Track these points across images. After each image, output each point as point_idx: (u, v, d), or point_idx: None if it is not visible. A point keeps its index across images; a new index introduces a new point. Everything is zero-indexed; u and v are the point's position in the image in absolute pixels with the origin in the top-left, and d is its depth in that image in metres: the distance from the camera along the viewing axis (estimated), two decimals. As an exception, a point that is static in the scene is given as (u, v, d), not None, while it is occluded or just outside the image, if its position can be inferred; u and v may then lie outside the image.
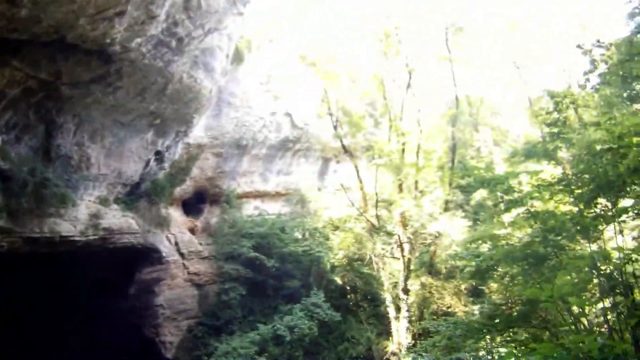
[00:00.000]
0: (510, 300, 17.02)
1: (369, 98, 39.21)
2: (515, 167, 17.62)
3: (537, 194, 14.08)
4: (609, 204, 13.14)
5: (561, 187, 14.19)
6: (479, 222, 37.09)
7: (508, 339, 15.85)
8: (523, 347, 14.61)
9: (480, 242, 16.93)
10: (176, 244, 34.20)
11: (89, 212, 27.60)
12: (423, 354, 18.12)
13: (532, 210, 13.65)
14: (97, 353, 33.72)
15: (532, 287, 12.97)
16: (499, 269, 14.75)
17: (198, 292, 34.76)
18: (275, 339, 31.47)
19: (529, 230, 15.45)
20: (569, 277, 11.95)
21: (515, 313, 14.84)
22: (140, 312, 32.98)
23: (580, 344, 7.77)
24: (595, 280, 12.38)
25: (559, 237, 13.33)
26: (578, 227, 13.16)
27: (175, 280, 33.77)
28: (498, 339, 16.23)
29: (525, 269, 13.69)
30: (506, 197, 14.36)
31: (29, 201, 23.14)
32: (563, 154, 15.04)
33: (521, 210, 14.22)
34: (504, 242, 15.59)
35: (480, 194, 35.74)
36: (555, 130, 14.82)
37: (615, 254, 11.95)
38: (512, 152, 17.78)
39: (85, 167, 26.57)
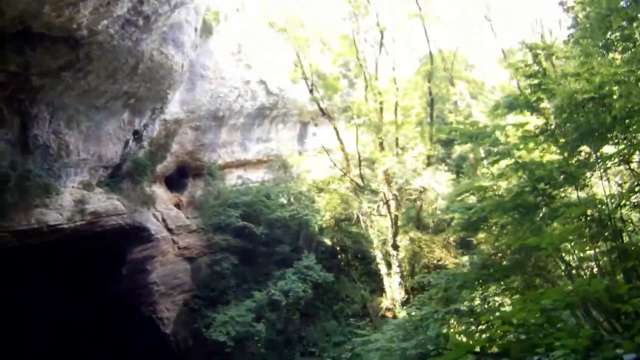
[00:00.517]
0: (501, 250, 17.35)
1: (342, 60, 39.09)
2: (498, 119, 17.79)
3: (522, 145, 14.26)
4: (592, 152, 13.45)
5: (545, 137, 14.50)
6: (461, 175, 37.80)
7: (502, 287, 16.15)
8: (517, 295, 14.93)
9: (467, 194, 17.21)
10: (164, 220, 34.16)
11: (73, 198, 27.45)
12: (421, 307, 18.42)
13: (520, 161, 13.82)
14: (97, 338, 34.02)
15: (523, 236, 13.19)
16: (491, 220, 14.86)
17: (190, 265, 34.89)
18: (270, 304, 31.81)
19: (515, 182, 15.80)
20: (565, 225, 12.21)
21: (509, 262, 15.10)
22: (135, 291, 33.04)
23: (587, 287, 8.04)
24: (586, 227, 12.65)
25: (547, 186, 13.53)
26: (564, 176, 13.39)
27: (166, 257, 33.85)
28: (492, 287, 16.52)
29: (516, 218, 13.91)
30: (493, 150, 14.50)
31: (13, 195, 22.98)
32: (544, 105, 15.19)
33: (509, 161, 14.39)
34: (490, 193, 15.90)
35: (461, 148, 36.20)
36: (536, 81, 14.79)
37: (604, 200, 12.20)
38: (494, 105, 17.68)
39: (65, 155, 26.33)
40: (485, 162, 38.48)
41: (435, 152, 37.22)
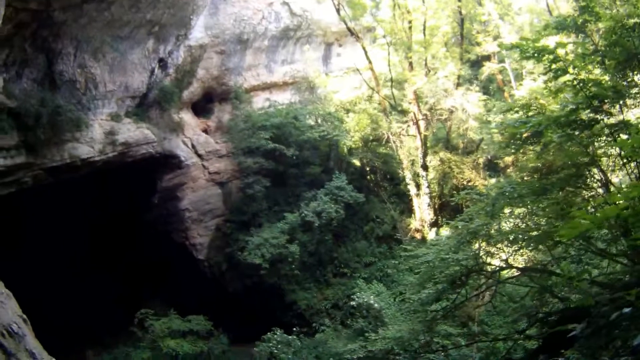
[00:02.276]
0: (540, 169, 17.49)
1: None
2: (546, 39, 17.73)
3: (580, 63, 14.20)
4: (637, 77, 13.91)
5: (592, 59, 14.54)
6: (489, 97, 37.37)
7: (541, 205, 16.13)
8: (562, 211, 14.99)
9: (511, 111, 17.35)
10: (193, 146, 34.35)
11: (103, 130, 27.69)
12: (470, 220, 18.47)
13: (579, 78, 13.75)
14: (130, 268, 34.99)
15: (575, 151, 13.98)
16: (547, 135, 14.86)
17: (221, 190, 35.30)
18: (303, 225, 32.33)
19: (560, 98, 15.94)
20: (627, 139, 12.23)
21: (557, 177, 15.27)
22: (167, 219, 33.82)
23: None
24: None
25: (600, 104, 13.66)
26: (615, 95, 13.58)
27: (197, 182, 34.28)
28: (539, 204, 16.46)
29: (570, 134, 13.78)
30: (553, 66, 14.41)
31: (45, 132, 23.19)
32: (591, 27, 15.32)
33: (566, 78, 14.45)
34: (534, 111, 15.98)
35: (489, 69, 35.68)
36: (583, 4, 15.03)
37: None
38: (544, 25, 18.07)
39: (93, 87, 26.42)
40: (514, 82, 37.96)
41: (465, 72, 36.55)
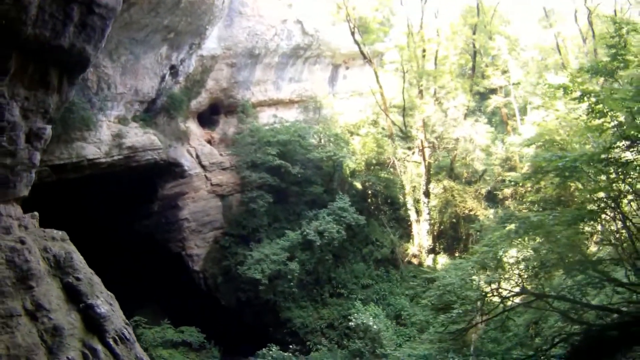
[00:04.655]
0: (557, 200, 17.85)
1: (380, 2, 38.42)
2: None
3: (617, 106, 14.79)
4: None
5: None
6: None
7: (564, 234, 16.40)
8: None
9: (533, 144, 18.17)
10: (197, 156, 34.19)
11: (111, 132, 27.44)
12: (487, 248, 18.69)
13: (618, 119, 14.51)
14: (123, 274, 34.36)
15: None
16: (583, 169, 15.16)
17: (222, 202, 35.03)
18: (303, 243, 32.14)
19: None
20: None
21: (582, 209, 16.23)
22: (165, 227, 33.33)
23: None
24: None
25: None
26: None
27: (198, 193, 34.03)
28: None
29: (602, 169, 14.68)
30: (596, 107, 15.16)
31: (56, 128, 22.79)
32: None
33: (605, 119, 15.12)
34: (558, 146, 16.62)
35: (495, 102, 36.34)
36: (613, 51, 16.30)
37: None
38: (579, 68, 19.54)
39: (106, 87, 26.24)
40: (518, 116, 38.50)
41: (475, 103, 37.06)
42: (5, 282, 10.17)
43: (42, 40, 8.48)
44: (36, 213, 12.88)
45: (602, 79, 18.23)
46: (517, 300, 18.52)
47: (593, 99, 14.83)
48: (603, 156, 14.03)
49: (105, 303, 12.35)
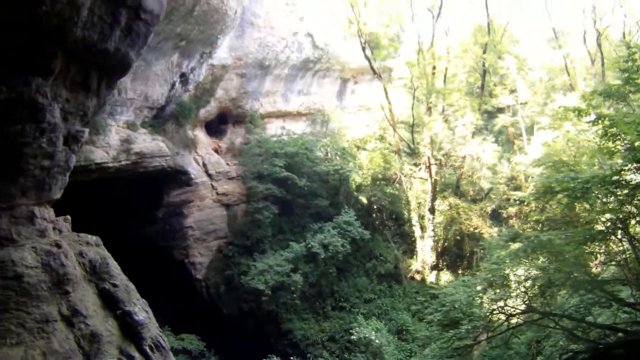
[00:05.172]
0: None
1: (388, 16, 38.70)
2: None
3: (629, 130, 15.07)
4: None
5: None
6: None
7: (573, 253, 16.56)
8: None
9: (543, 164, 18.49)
10: (204, 165, 34.27)
11: (119, 137, 27.53)
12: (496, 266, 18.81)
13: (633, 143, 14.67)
14: (133, 277, 34.25)
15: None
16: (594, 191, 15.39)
17: (227, 212, 35.02)
18: (307, 256, 32.11)
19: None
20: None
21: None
22: (169, 235, 33.27)
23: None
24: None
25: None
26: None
27: (204, 202, 34.05)
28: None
29: (613, 192, 14.82)
30: (610, 130, 15.38)
31: (66, 130, 22.93)
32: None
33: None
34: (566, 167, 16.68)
35: (502, 121, 36.66)
36: (626, 75, 16.79)
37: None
38: (592, 91, 19.81)
39: (117, 92, 26.36)
40: (525, 136, 38.67)
41: (482, 121, 37.23)
42: (40, 287, 9.94)
43: (90, 43, 8.38)
44: (69, 217, 12.63)
45: (612, 102, 18.61)
46: (522, 318, 18.53)
47: (607, 122, 14.97)
48: (614, 178, 14.15)
49: (142, 310, 12.14)
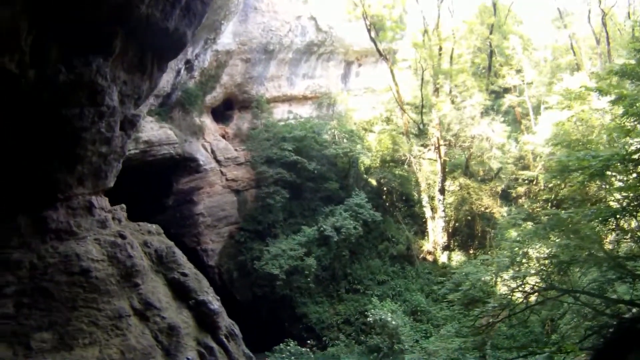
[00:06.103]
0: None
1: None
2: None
3: None
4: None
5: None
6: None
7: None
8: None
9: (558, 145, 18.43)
10: (212, 151, 34.10)
11: (127, 126, 27.26)
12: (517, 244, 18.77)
13: None
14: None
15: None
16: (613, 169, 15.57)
17: (237, 198, 34.90)
18: (319, 239, 32.04)
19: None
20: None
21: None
22: (180, 222, 33.10)
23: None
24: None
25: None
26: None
27: (213, 188, 33.90)
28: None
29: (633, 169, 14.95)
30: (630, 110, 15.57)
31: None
32: None
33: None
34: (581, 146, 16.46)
35: (509, 101, 36.58)
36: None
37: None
38: (608, 70, 20.29)
39: (124, 81, 26.09)
40: (532, 115, 38.57)
41: (490, 102, 37.09)
42: (109, 281, 9.46)
43: (152, 21, 7.99)
44: (124, 205, 11.99)
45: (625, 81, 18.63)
46: (541, 295, 18.52)
47: (628, 101, 15.13)
48: (635, 156, 14.27)
49: (214, 299, 11.80)
